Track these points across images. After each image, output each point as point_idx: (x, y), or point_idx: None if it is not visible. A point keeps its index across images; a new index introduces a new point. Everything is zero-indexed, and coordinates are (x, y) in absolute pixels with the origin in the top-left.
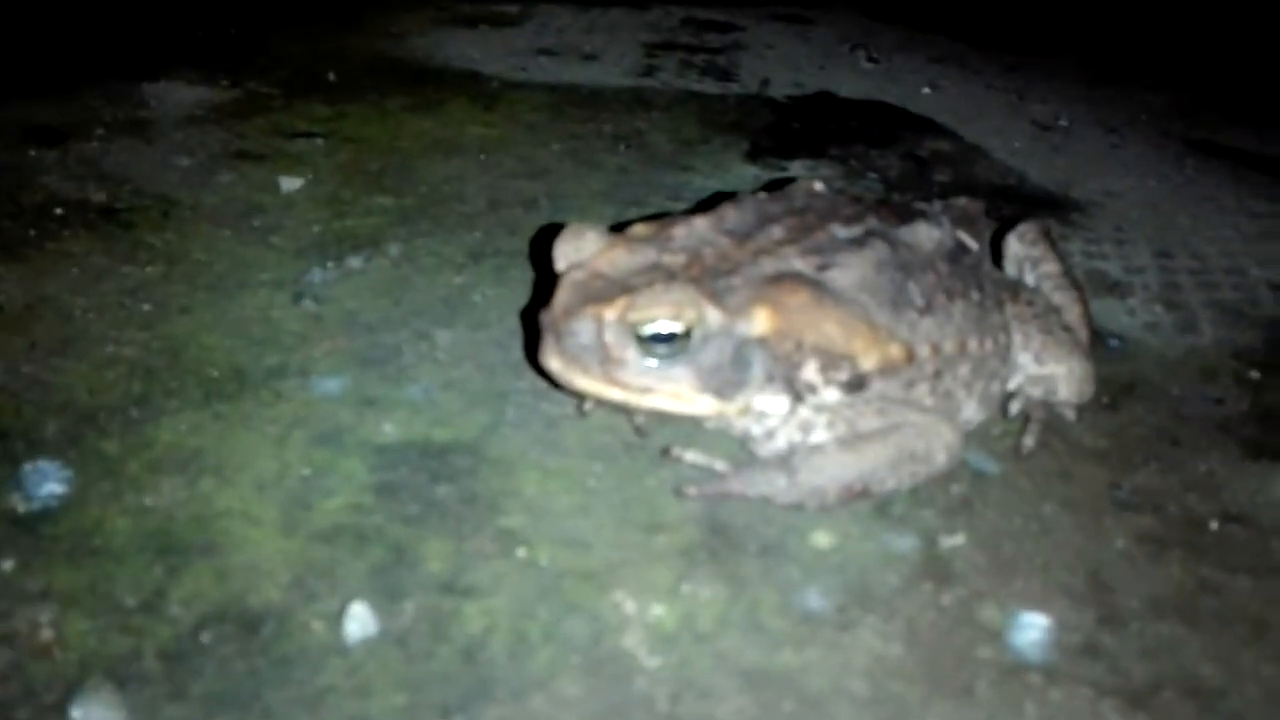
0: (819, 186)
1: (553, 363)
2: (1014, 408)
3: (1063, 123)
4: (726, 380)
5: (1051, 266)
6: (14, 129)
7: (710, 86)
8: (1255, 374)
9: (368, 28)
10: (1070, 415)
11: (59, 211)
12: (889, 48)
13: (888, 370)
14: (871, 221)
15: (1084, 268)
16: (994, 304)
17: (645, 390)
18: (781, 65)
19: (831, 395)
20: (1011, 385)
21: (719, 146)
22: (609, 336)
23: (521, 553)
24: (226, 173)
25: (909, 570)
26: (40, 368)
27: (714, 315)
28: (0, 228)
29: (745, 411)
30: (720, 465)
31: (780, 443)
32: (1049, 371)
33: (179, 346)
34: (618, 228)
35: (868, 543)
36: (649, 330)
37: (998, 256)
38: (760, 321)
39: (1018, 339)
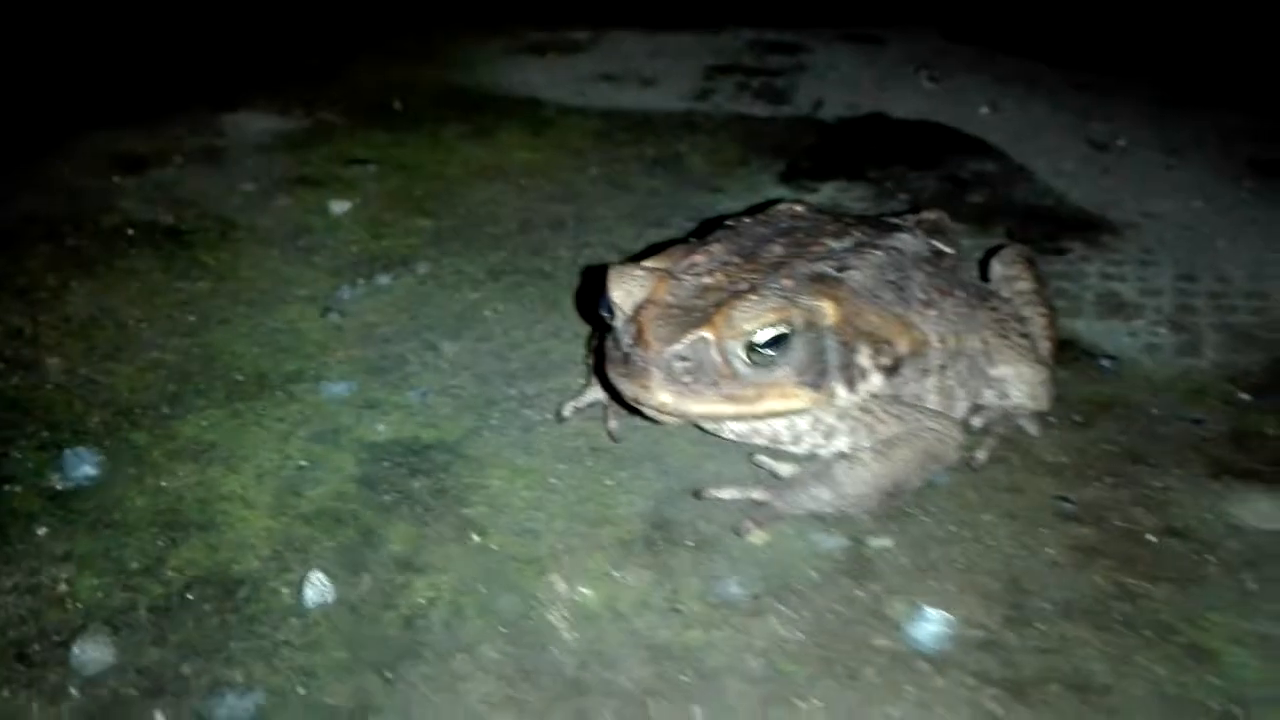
0: (799, 208)
1: (663, 396)
2: (977, 421)
3: (1120, 143)
4: (817, 371)
5: (1025, 285)
6: (103, 156)
7: (761, 109)
8: (1246, 396)
9: (439, 57)
10: (1032, 430)
11: (131, 232)
12: (958, 68)
13: (915, 354)
14: (856, 234)
15: (1098, 290)
16: (976, 303)
17: (759, 398)
18: (840, 87)
19: (876, 381)
20: (979, 399)
21: (755, 169)
22: (720, 353)
23: (476, 538)
24: (284, 197)
25: (831, 567)
26: (94, 370)
27: (799, 313)
28: (79, 246)
29: (829, 399)
30: (757, 494)
31: (803, 447)
32: (1000, 374)
33: (214, 353)
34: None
35: (798, 541)
36: (760, 337)
37: (985, 278)
38: (829, 312)
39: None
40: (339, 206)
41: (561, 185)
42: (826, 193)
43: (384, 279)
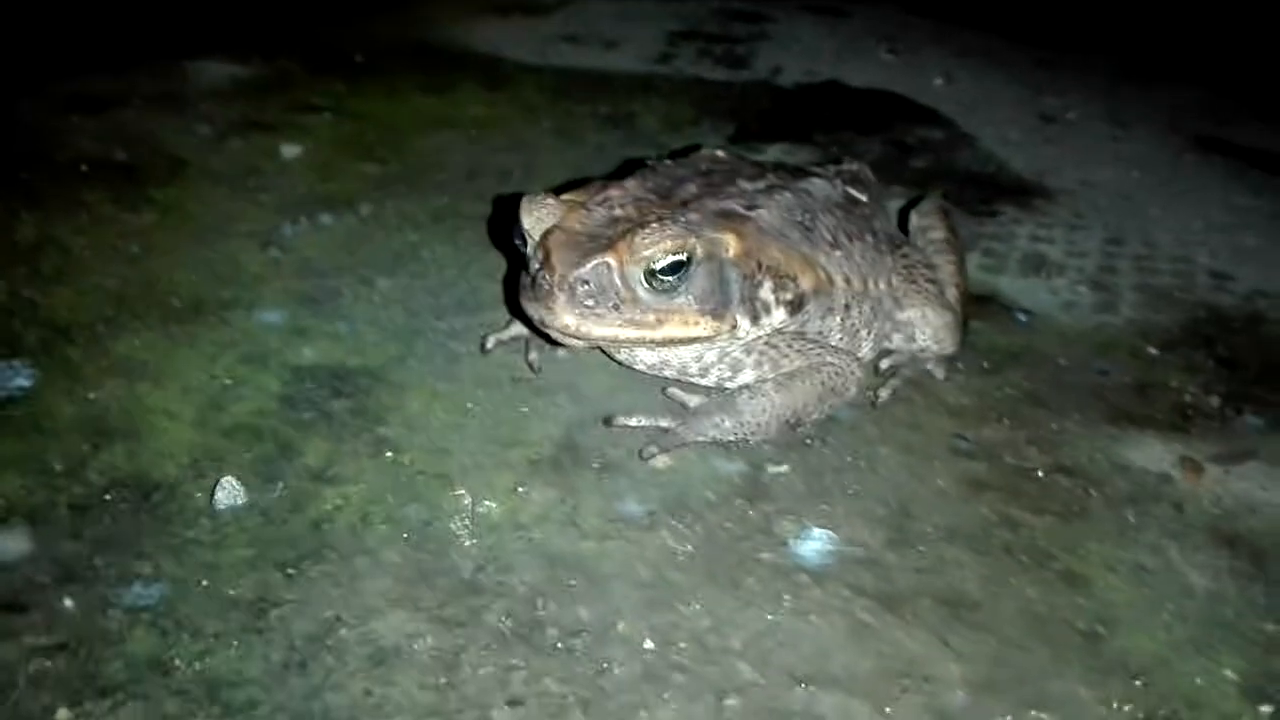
0: (720, 153)
1: (566, 318)
2: (885, 363)
3: (1070, 116)
4: (718, 300)
5: (937, 234)
6: (62, 98)
7: (720, 74)
8: (1154, 351)
9: (406, 15)
10: (939, 374)
11: (84, 168)
12: (919, 41)
13: (819, 292)
14: (771, 178)
15: (1025, 250)
16: (887, 249)
17: (659, 323)
18: (800, 56)
19: (780, 315)
20: (888, 343)
21: (706, 129)
22: (621, 278)
23: (389, 455)
24: (237, 140)
25: (728, 490)
26: (36, 292)
27: (701, 244)
28: (32, 180)
29: (732, 330)
30: (664, 422)
31: (711, 379)
32: (906, 317)
33: (153, 280)
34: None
35: (700, 466)
36: (660, 264)
37: (905, 230)
38: (731, 244)
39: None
40: (290, 150)
41: (512, 138)
42: (773, 154)
43: (327, 218)
